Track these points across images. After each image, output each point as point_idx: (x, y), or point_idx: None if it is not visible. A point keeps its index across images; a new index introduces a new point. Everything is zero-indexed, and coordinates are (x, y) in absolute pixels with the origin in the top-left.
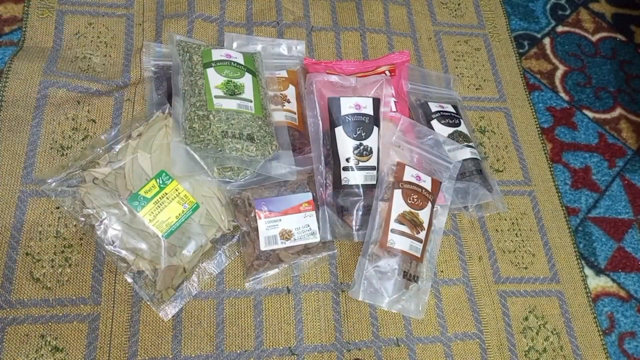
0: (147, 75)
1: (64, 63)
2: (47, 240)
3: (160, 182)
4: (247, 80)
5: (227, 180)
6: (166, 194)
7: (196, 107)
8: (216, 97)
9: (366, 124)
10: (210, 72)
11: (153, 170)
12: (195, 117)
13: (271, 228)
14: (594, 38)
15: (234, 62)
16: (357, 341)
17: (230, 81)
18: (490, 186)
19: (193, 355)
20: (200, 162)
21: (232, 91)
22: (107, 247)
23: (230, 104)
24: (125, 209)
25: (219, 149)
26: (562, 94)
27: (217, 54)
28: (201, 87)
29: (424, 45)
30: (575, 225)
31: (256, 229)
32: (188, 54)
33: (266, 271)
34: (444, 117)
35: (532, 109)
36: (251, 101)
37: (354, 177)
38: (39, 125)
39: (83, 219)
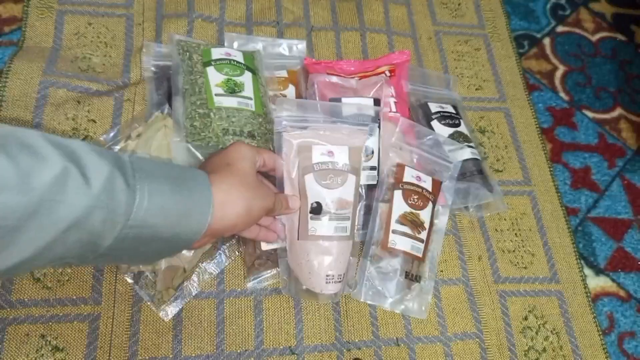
0: (147, 76)
1: (64, 63)
2: None
3: None
4: (246, 78)
5: None
6: None
7: (197, 105)
8: (216, 95)
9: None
10: (210, 70)
11: None
12: (196, 115)
13: None
14: (594, 38)
15: (234, 61)
16: (357, 341)
17: (230, 79)
18: (490, 186)
19: (193, 355)
20: (202, 160)
21: (232, 89)
22: None
23: (231, 102)
24: None
25: (220, 146)
26: (562, 94)
27: (216, 53)
28: (201, 86)
29: (424, 45)
30: (575, 225)
31: None
32: (188, 53)
33: (268, 270)
34: (444, 117)
35: (532, 109)
36: (251, 99)
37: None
38: (39, 126)
39: None
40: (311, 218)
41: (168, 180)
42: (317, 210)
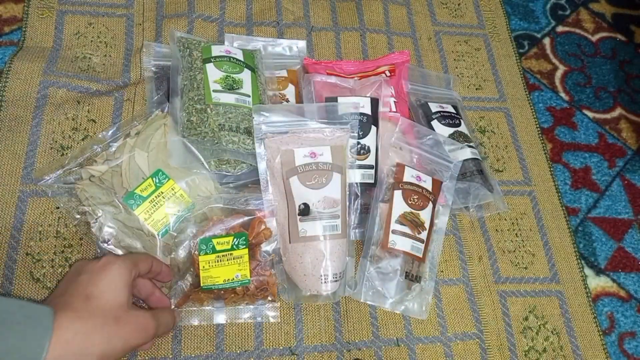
0: (147, 75)
1: (64, 63)
2: (47, 240)
3: (157, 180)
4: (245, 75)
5: (224, 173)
6: (162, 192)
7: (194, 100)
8: (214, 91)
9: (364, 123)
10: (210, 67)
11: (150, 168)
12: (193, 110)
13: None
14: (594, 38)
15: (234, 58)
16: (357, 341)
17: (229, 76)
18: (491, 186)
19: (193, 355)
20: (197, 155)
21: (231, 86)
22: (101, 244)
23: (228, 98)
24: (121, 206)
25: (216, 141)
26: (562, 94)
27: (216, 50)
28: (200, 82)
29: (424, 45)
30: (575, 225)
31: None
32: (188, 50)
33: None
34: (444, 117)
35: (532, 109)
36: (249, 96)
37: (353, 175)
38: (39, 125)
39: (79, 216)
40: (300, 220)
41: None
42: (305, 211)
